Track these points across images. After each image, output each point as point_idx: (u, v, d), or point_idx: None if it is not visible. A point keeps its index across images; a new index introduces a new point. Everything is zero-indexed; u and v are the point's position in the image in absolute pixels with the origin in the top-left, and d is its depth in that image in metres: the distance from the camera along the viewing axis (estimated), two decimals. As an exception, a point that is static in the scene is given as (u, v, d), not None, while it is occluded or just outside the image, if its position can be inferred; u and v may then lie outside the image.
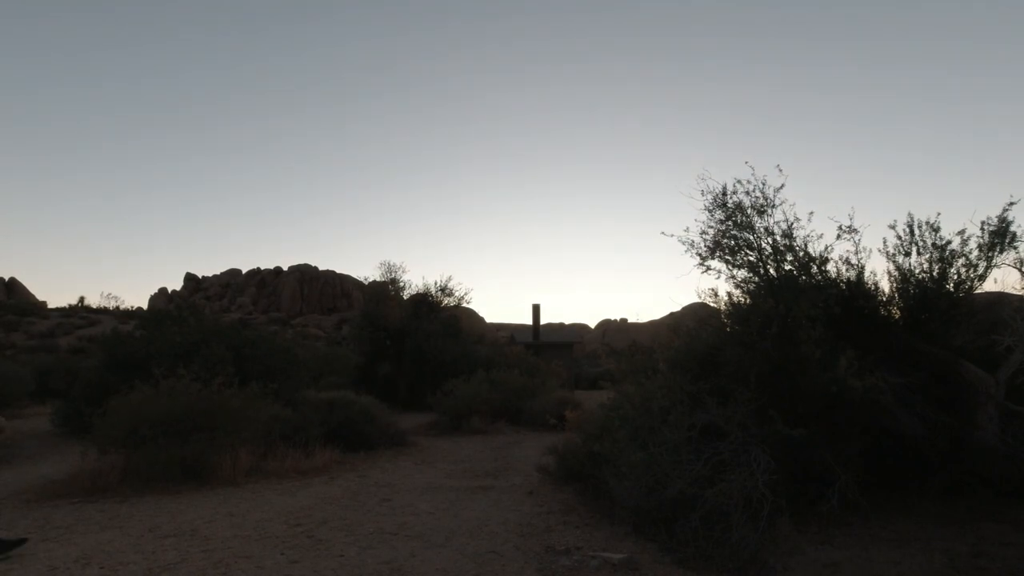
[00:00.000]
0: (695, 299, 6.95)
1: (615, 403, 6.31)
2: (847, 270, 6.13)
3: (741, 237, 6.23)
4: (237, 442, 7.83)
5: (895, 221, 6.11)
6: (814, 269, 6.01)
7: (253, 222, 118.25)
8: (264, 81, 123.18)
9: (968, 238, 5.91)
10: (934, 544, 4.55)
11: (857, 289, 6.06)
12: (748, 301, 6.05)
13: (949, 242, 5.96)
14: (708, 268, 6.42)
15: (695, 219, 6.56)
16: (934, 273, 6.00)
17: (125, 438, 7.38)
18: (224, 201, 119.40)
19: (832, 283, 5.97)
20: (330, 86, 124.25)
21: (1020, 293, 6.10)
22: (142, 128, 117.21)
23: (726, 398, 5.16)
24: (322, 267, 73.40)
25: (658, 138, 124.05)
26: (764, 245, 6.18)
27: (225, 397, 7.93)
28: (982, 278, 5.97)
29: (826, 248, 6.04)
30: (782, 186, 6.09)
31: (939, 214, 5.99)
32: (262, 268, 75.67)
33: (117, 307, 60.66)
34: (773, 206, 6.13)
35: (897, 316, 6.16)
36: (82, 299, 61.09)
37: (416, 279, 38.01)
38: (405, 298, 21.24)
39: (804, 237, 6.09)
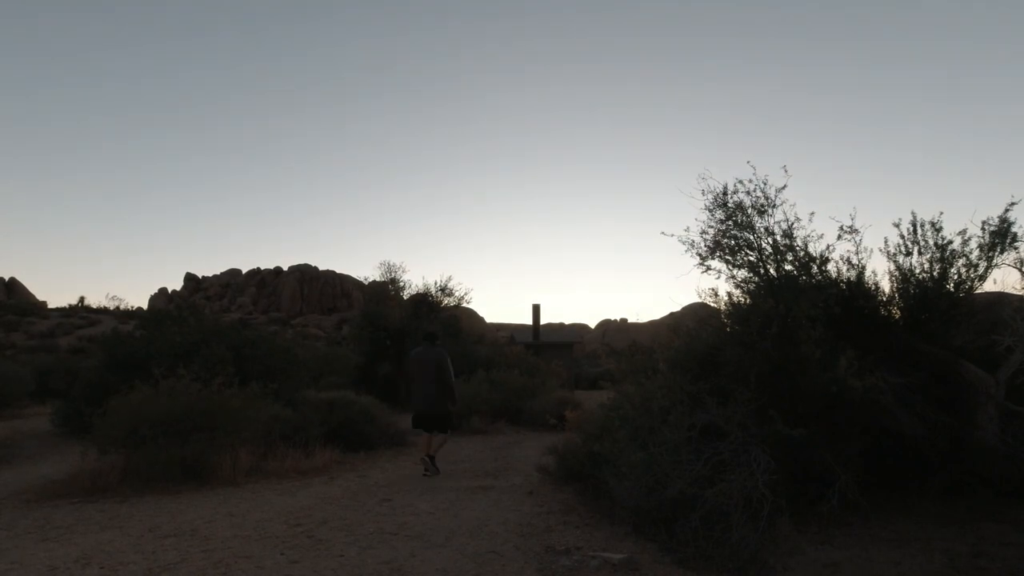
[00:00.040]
0: (695, 299, 6.95)
1: (615, 403, 6.31)
2: (847, 270, 6.12)
3: (741, 237, 6.23)
4: (237, 442, 7.84)
5: (899, 220, 6.10)
6: (814, 269, 6.00)
7: (253, 222, 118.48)
8: (264, 81, 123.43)
9: (969, 238, 5.91)
10: (934, 544, 4.55)
11: (857, 289, 6.05)
12: (748, 301, 6.05)
13: (950, 242, 5.95)
14: (708, 268, 6.42)
15: (695, 219, 6.55)
16: (934, 273, 6.00)
17: (125, 438, 7.38)
18: (224, 201, 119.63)
19: (832, 283, 5.97)
20: (330, 86, 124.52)
21: (1020, 293, 6.11)
22: (142, 128, 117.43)
23: (726, 398, 5.16)
24: (322, 267, 73.52)
25: (658, 138, 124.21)
26: (764, 245, 6.17)
27: (225, 397, 7.93)
28: (982, 278, 5.97)
29: (827, 248, 6.03)
30: (784, 186, 6.09)
31: (941, 213, 5.99)
32: (262, 268, 75.73)
33: (118, 307, 60.70)
34: (774, 206, 6.12)
35: (897, 316, 6.16)
36: (82, 299, 61.17)
37: (416, 279, 38.00)
38: (405, 298, 21.24)
39: (804, 237, 6.09)
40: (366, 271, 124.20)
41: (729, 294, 6.36)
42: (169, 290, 75.18)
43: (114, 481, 7.24)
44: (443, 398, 8.31)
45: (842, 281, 6.06)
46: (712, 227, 6.36)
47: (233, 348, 10.80)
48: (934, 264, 6.01)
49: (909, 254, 6.11)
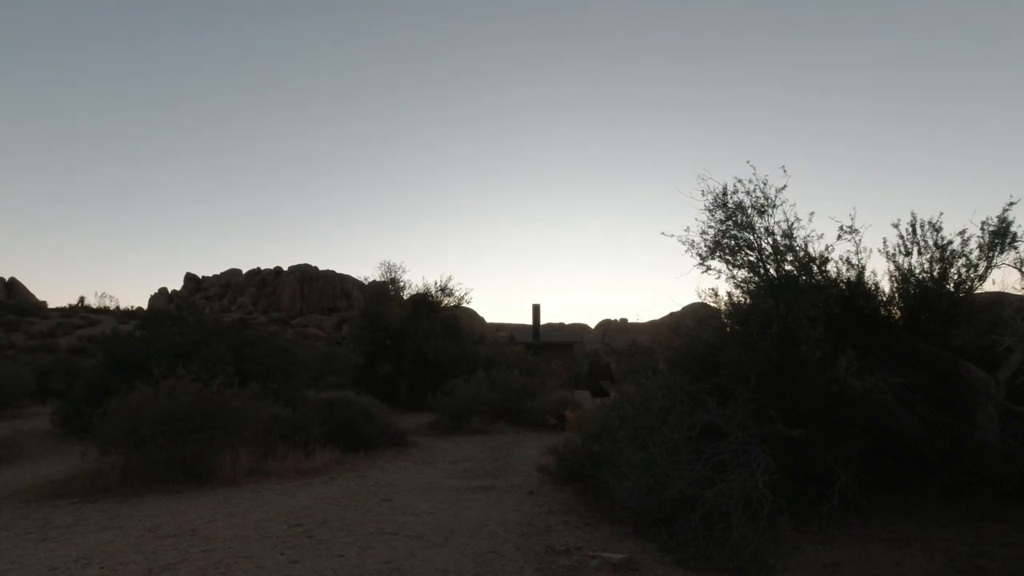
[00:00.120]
0: (695, 299, 6.95)
1: (615, 403, 6.32)
2: (847, 270, 6.13)
3: (741, 237, 6.23)
4: (237, 442, 7.84)
5: (899, 220, 6.10)
6: (814, 269, 6.00)
7: (253, 222, 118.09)
8: (264, 81, 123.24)
9: (969, 238, 5.91)
10: (934, 544, 4.55)
11: (857, 289, 6.05)
12: (748, 301, 6.05)
13: (950, 242, 5.95)
14: (708, 268, 6.42)
15: (695, 219, 6.55)
16: (934, 273, 6.00)
17: (125, 438, 7.38)
18: (224, 201, 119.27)
19: (832, 283, 5.97)
20: (330, 86, 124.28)
21: (1020, 293, 6.11)
22: (142, 127, 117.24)
23: (726, 398, 5.16)
24: (322, 267, 73.39)
25: (658, 138, 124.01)
26: (764, 245, 6.17)
27: (225, 397, 7.93)
28: (982, 278, 5.97)
29: (827, 248, 6.04)
30: (784, 186, 6.09)
31: (941, 214, 5.99)
32: (262, 268, 75.68)
33: (117, 307, 60.71)
34: (774, 206, 6.12)
35: (897, 316, 6.16)
36: (82, 299, 61.13)
37: (416, 279, 38.04)
38: (405, 298, 21.24)
39: (804, 237, 6.09)
40: (366, 271, 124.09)
41: (729, 294, 6.37)
42: (169, 290, 75.20)
43: (114, 481, 7.24)
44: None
45: (842, 281, 6.06)
46: (712, 227, 6.37)
47: (233, 348, 10.80)
48: (934, 264, 6.01)
49: (909, 254, 6.11)
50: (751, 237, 6.20)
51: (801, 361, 5.25)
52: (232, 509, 6.26)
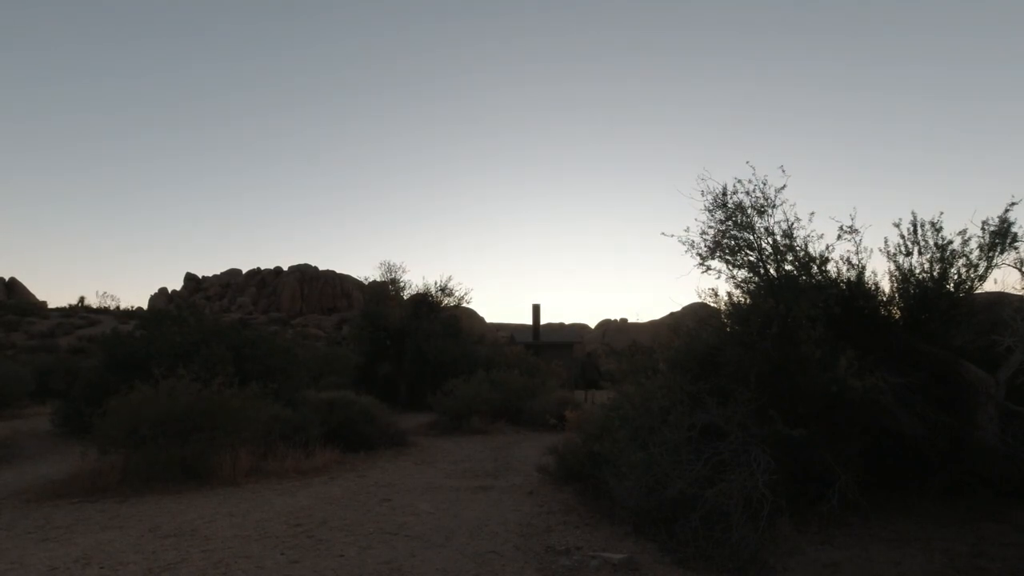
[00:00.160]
0: (695, 299, 6.95)
1: (615, 403, 6.32)
2: (847, 270, 6.13)
3: (741, 237, 6.23)
4: (237, 442, 7.84)
5: (899, 220, 6.11)
6: (814, 269, 6.01)
7: (253, 222, 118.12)
8: (264, 80, 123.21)
9: (969, 238, 5.91)
10: (934, 544, 4.55)
11: (857, 289, 6.05)
12: (748, 301, 6.05)
13: (950, 242, 5.96)
14: (708, 268, 6.43)
15: (695, 219, 6.56)
16: (934, 273, 6.00)
17: (125, 438, 7.38)
18: (224, 201, 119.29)
19: (832, 283, 5.97)
20: (329, 85, 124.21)
21: (1020, 293, 6.11)
22: (142, 127, 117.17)
23: (726, 398, 5.16)
24: (322, 267, 73.41)
25: (658, 138, 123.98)
26: (764, 245, 6.18)
27: (225, 397, 7.93)
28: (982, 278, 5.97)
29: (827, 248, 6.04)
30: (784, 186, 6.10)
31: (942, 214, 6.00)
32: (262, 268, 75.68)
33: (117, 307, 60.69)
34: (774, 206, 6.13)
35: (897, 316, 6.16)
36: (82, 299, 61.11)
37: (416, 279, 38.02)
38: (405, 298, 21.25)
39: (804, 237, 6.09)
40: (366, 271, 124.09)
41: (729, 294, 6.37)
42: (169, 290, 75.20)
43: (114, 481, 7.24)
44: None
45: (842, 281, 6.07)
46: (712, 227, 6.37)
47: (233, 348, 10.80)
48: (934, 264, 6.01)
49: (909, 254, 6.12)
50: (751, 237, 6.20)
51: (801, 361, 5.25)
52: (232, 509, 6.26)
